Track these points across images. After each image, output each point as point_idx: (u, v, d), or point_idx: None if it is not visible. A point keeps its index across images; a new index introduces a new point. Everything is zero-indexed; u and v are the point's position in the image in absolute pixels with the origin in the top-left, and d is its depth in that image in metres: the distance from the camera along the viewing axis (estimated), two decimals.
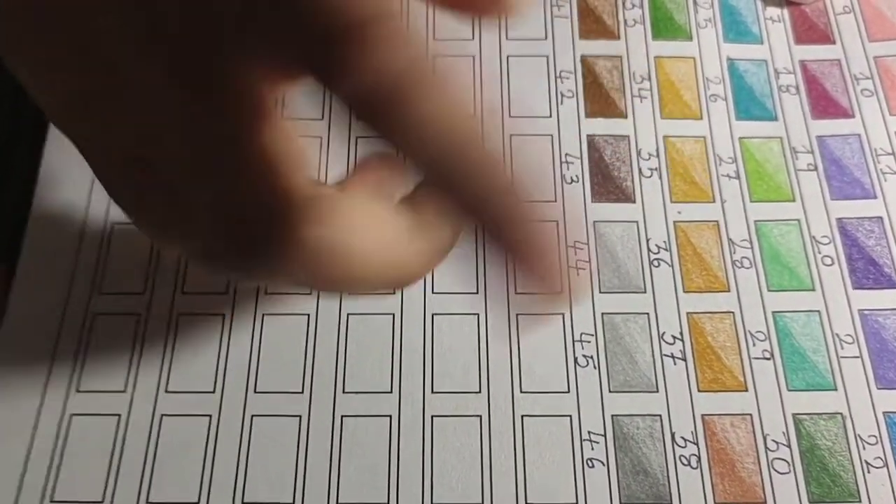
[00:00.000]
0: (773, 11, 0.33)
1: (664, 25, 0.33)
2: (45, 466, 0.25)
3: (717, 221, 0.29)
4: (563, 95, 0.31)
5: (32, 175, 0.29)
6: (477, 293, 0.28)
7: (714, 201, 0.30)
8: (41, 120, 0.30)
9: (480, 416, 0.26)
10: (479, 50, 0.32)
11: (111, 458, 0.25)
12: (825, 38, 0.33)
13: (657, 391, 0.26)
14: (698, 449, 0.26)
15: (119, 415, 0.26)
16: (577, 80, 0.32)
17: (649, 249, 0.29)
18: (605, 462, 0.25)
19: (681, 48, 0.32)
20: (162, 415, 0.26)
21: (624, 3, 0.33)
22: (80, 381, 0.26)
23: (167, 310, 0.27)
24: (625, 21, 0.33)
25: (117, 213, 0.29)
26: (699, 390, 0.26)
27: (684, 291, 0.28)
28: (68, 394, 0.26)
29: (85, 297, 0.27)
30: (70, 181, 0.29)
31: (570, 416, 0.26)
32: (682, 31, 0.33)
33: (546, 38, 0.32)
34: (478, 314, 0.27)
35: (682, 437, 0.26)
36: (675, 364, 0.27)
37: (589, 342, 0.27)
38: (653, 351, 0.27)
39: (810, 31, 0.33)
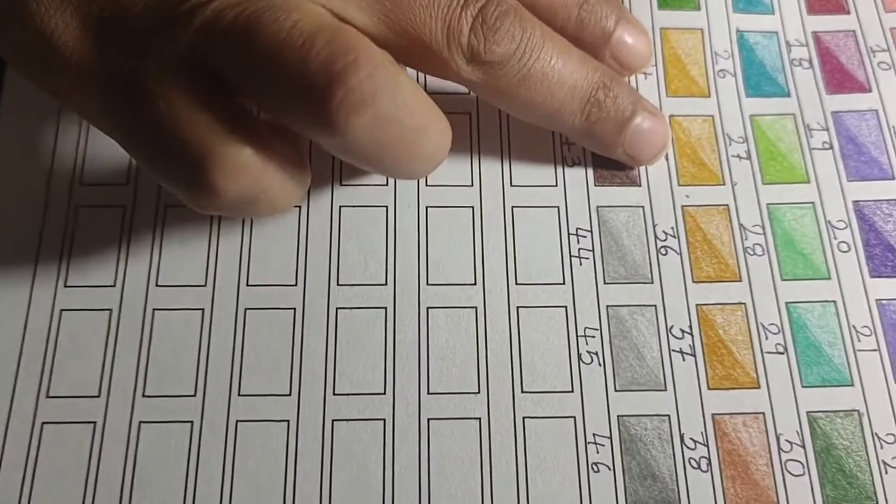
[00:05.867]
0: None
1: None
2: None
3: (727, 205, 0.28)
4: None
5: None
6: (475, 284, 0.26)
7: (724, 184, 0.28)
8: None
9: (479, 419, 0.24)
10: None
11: (87, 470, 0.24)
12: (839, 7, 0.31)
13: (665, 389, 0.25)
14: (708, 451, 0.24)
15: (94, 422, 0.24)
16: None
17: (656, 236, 0.27)
18: (610, 466, 0.24)
19: (688, 19, 0.30)
20: (140, 421, 0.24)
21: None
22: (50, 387, 0.24)
23: (141, 302, 0.25)
24: None
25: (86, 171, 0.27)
26: (709, 388, 0.25)
27: (693, 281, 0.26)
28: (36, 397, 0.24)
29: (51, 290, 0.25)
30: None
31: (574, 417, 0.25)
32: (689, 1, 0.31)
33: None
34: (476, 307, 0.26)
35: (692, 439, 0.24)
36: (683, 360, 0.25)
37: (593, 337, 0.26)
38: (660, 346, 0.25)
39: (823, 0, 0.31)
